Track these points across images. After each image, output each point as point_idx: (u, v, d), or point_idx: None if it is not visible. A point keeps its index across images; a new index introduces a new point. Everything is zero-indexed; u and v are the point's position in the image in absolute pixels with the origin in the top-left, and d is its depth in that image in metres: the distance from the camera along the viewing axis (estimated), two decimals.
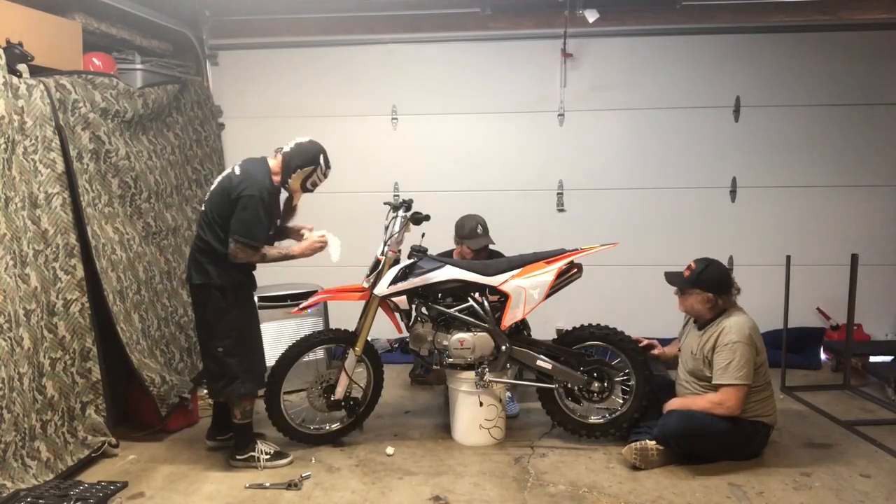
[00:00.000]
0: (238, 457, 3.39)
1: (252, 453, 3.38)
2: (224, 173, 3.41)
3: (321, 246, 3.39)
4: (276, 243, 3.50)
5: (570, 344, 3.67)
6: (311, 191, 3.45)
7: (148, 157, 4.24)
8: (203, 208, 3.38)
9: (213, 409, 3.71)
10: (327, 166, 3.42)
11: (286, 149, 3.36)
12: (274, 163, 3.38)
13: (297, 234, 3.58)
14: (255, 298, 3.63)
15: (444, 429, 3.89)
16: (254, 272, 3.49)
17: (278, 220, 3.52)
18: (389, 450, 3.60)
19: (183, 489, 3.22)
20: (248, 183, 3.23)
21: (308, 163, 3.34)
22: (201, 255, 3.32)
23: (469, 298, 3.64)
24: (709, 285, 3.37)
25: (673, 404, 3.45)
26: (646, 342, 3.71)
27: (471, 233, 4.01)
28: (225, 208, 3.25)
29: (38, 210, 3.31)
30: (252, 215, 3.19)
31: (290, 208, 3.60)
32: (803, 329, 5.08)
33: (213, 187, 3.39)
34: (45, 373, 3.27)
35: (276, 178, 3.36)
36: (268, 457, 3.39)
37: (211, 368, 3.41)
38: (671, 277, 3.52)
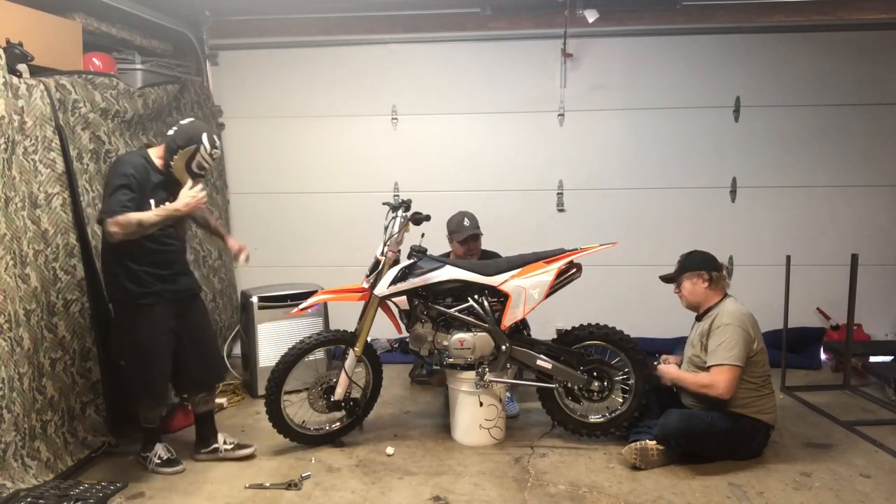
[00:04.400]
0: (142, 453, 3.42)
1: (149, 454, 3.38)
2: None
3: (189, 207, 3.14)
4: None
5: (570, 343, 3.67)
6: (201, 175, 3.24)
7: None
8: None
9: (195, 423, 3.61)
10: (213, 146, 3.19)
11: (169, 132, 3.21)
12: (157, 149, 3.26)
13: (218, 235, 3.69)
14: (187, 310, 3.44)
15: (444, 429, 3.89)
16: (167, 281, 3.26)
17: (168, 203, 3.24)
18: (389, 450, 3.60)
19: (183, 489, 3.22)
20: (111, 165, 3.19)
21: (189, 142, 3.14)
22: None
23: (469, 298, 3.64)
24: (698, 265, 3.52)
25: (669, 371, 3.51)
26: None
27: (457, 226, 4.03)
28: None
29: (38, 210, 3.31)
30: (111, 189, 3.05)
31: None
32: (803, 329, 5.08)
33: None
34: (45, 373, 3.27)
35: (160, 162, 3.20)
36: (159, 461, 3.36)
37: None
38: (665, 276, 3.67)
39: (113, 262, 3.20)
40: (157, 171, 3.20)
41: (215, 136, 3.25)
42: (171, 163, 3.18)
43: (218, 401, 4.20)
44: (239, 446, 3.55)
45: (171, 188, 3.22)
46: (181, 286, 3.34)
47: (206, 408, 3.55)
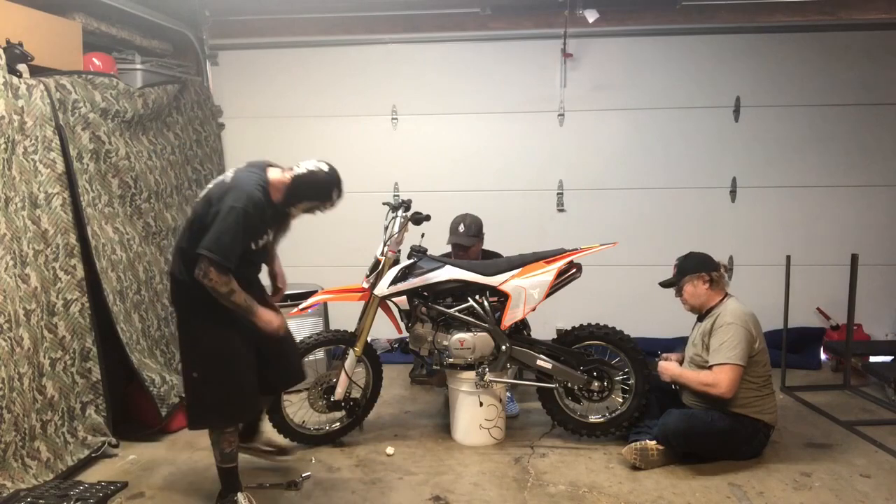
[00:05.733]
0: (220, 501, 3.00)
1: None
2: (217, 179, 2.96)
3: (272, 329, 2.91)
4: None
5: (570, 343, 3.67)
6: (313, 213, 3.08)
7: (148, 157, 4.24)
8: (189, 216, 2.92)
9: None
10: (339, 197, 3.00)
11: (298, 171, 2.91)
12: (278, 177, 2.90)
13: (277, 279, 3.30)
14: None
15: (444, 429, 3.89)
16: (251, 281, 3.02)
17: (267, 237, 3.00)
18: (389, 450, 3.60)
19: (183, 489, 3.22)
20: (236, 193, 2.75)
21: (318, 198, 2.94)
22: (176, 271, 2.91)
23: (469, 298, 3.64)
24: (696, 267, 3.51)
25: (670, 368, 3.50)
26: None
27: (452, 229, 4.01)
28: (204, 217, 2.78)
29: (38, 210, 3.32)
30: (229, 229, 2.70)
31: (284, 226, 3.19)
32: (803, 329, 5.09)
33: (202, 193, 2.93)
34: (45, 373, 3.27)
35: (276, 195, 2.88)
36: None
37: (186, 395, 2.98)
38: (665, 282, 3.64)
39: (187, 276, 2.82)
40: (272, 205, 2.88)
41: (342, 187, 3.02)
42: (293, 207, 2.94)
43: None
44: (279, 451, 3.37)
45: (278, 223, 3.03)
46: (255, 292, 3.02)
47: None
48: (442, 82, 5.28)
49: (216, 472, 3.07)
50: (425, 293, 3.63)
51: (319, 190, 2.93)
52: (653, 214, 5.26)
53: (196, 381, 2.86)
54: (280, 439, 3.59)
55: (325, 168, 2.95)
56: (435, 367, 3.77)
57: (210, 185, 2.94)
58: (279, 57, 5.35)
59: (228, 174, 2.92)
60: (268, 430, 3.55)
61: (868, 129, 5.09)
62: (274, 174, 2.92)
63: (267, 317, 2.86)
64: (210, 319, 2.83)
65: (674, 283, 3.59)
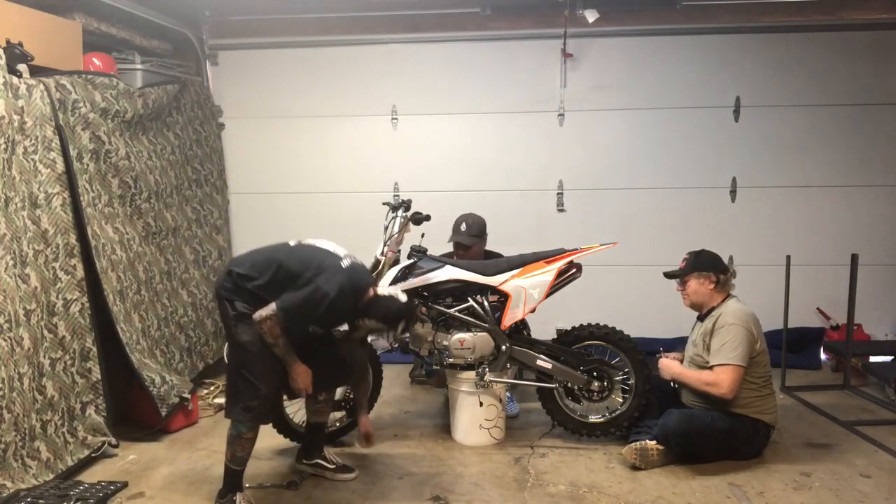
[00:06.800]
0: (219, 500, 3.03)
1: None
2: (334, 247, 3.05)
3: (295, 386, 3.03)
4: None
5: (570, 343, 3.67)
6: (378, 335, 3.30)
7: (148, 157, 4.24)
8: (280, 254, 2.99)
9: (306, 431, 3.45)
10: (404, 330, 3.22)
11: (381, 291, 3.07)
12: (372, 290, 3.03)
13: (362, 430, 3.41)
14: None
15: (444, 429, 3.89)
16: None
17: (328, 326, 3.22)
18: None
19: (183, 489, 3.22)
20: (336, 281, 2.87)
21: (385, 322, 3.07)
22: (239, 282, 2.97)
23: (469, 298, 3.64)
24: (707, 266, 3.49)
25: (671, 367, 3.50)
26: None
27: (455, 228, 4.01)
28: (301, 269, 2.91)
29: (38, 210, 3.32)
30: (308, 305, 2.84)
31: (351, 333, 3.29)
32: (803, 329, 5.08)
33: (309, 244, 3.06)
34: (45, 373, 3.27)
35: (360, 303, 3.00)
36: None
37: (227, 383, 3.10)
38: (671, 273, 3.62)
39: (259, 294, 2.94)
40: (353, 310, 3.03)
41: (413, 320, 3.26)
42: (362, 319, 3.06)
43: (218, 401, 4.21)
44: (341, 469, 3.35)
45: (349, 327, 3.20)
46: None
47: (320, 418, 3.39)
48: (442, 82, 5.28)
49: (217, 470, 3.12)
50: (425, 293, 3.63)
51: (388, 316, 3.06)
52: (653, 214, 5.26)
53: (230, 369, 3.01)
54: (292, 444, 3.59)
55: (403, 299, 3.08)
56: (435, 367, 3.77)
57: (326, 245, 3.06)
58: (279, 57, 5.35)
59: (347, 258, 3.01)
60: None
61: (868, 129, 5.09)
62: (374, 288, 3.06)
63: (295, 373, 2.98)
64: (251, 316, 2.91)
65: (680, 276, 3.57)
